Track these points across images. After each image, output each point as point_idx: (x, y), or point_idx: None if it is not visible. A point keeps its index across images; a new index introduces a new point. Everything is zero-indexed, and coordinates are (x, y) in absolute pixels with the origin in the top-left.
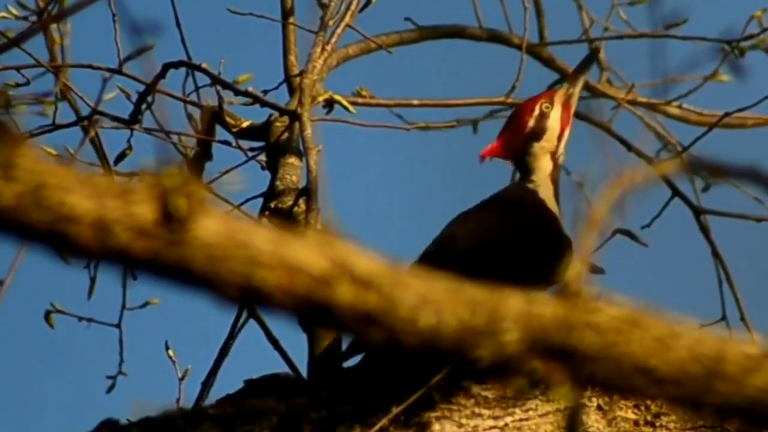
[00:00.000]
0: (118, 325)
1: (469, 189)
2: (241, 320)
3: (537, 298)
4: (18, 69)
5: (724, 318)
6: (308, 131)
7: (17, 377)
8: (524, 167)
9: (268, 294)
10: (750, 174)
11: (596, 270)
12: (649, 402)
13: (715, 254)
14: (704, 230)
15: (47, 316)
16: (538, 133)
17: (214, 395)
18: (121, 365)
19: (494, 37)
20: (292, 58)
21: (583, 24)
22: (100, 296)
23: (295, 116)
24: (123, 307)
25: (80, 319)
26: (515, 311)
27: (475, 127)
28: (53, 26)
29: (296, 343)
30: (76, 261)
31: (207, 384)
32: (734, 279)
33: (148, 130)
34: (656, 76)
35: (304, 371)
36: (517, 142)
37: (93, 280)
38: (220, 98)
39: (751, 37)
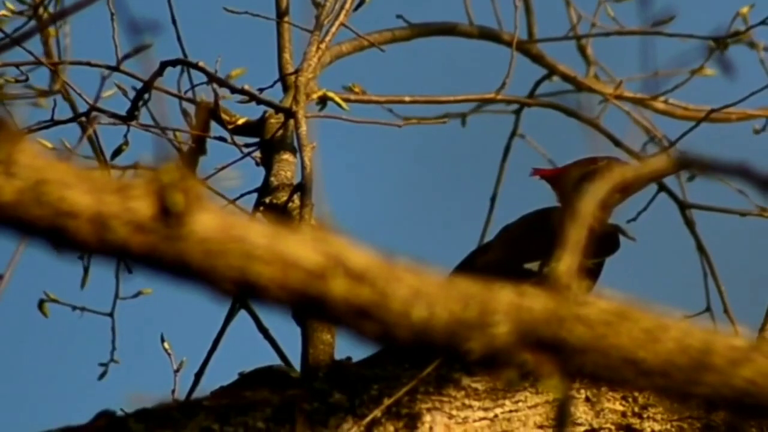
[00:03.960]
0: (110, 314)
1: (459, 183)
2: (232, 310)
3: (527, 291)
4: (17, 66)
5: (708, 310)
6: (303, 128)
7: (10, 366)
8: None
9: (264, 288)
10: (739, 170)
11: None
12: (636, 394)
13: (700, 248)
14: (689, 224)
15: (41, 304)
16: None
17: (209, 387)
18: (113, 353)
19: (485, 35)
20: (286, 56)
21: (570, 20)
22: (93, 286)
23: (290, 114)
24: (116, 296)
25: (74, 308)
26: (506, 304)
27: (463, 121)
28: (53, 25)
29: (287, 333)
30: (74, 255)
31: (199, 375)
32: (718, 272)
33: (144, 127)
34: (644, 72)
35: (294, 361)
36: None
37: (86, 270)
38: (217, 96)
39: (737, 34)
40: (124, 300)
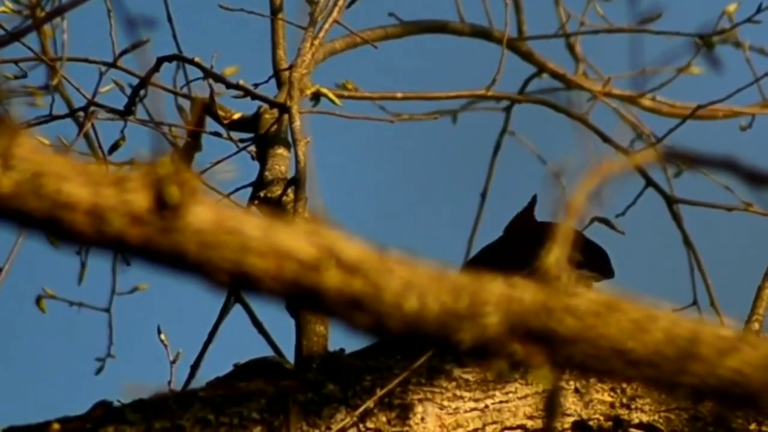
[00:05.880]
0: (107, 310)
1: (450, 178)
2: (226, 304)
3: (518, 282)
4: (16, 62)
5: (695, 303)
6: (297, 123)
7: (8, 360)
8: None
9: (258, 279)
10: (726, 165)
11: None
12: (624, 385)
13: (687, 242)
14: (677, 219)
15: (38, 300)
16: None
17: (204, 378)
18: (110, 348)
19: (476, 32)
20: (280, 52)
21: (559, 18)
22: (90, 282)
23: (284, 109)
24: (113, 292)
25: (71, 303)
26: (496, 295)
27: (454, 118)
28: (50, 22)
29: (280, 326)
30: (71, 247)
31: (195, 367)
32: (705, 266)
33: (141, 122)
34: (632, 69)
35: (288, 354)
36: None
37: (83, 266)
38: (212, 91)
39: (723, 31)
40: (120, 295)
